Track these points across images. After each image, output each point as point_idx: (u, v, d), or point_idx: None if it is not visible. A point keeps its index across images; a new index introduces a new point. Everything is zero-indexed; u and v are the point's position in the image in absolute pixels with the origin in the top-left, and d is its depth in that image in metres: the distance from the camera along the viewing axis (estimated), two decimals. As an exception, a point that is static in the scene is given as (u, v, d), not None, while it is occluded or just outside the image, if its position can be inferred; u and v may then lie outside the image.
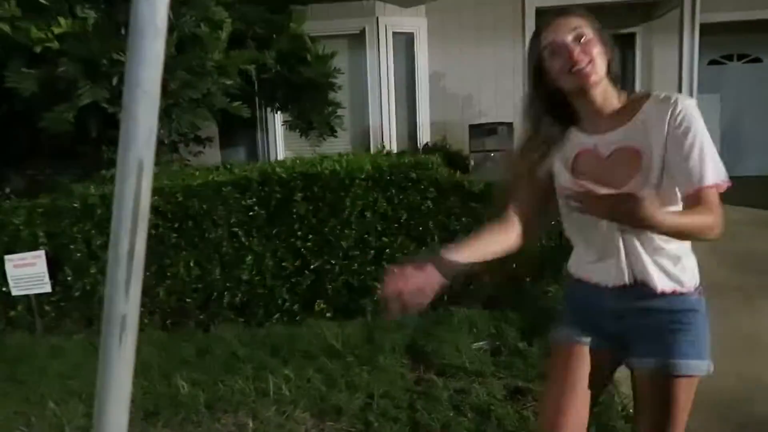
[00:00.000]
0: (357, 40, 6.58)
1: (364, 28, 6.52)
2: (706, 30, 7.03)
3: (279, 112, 5.35)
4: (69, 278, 3.82)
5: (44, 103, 2.92)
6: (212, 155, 5.94)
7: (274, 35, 4.26)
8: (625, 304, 1.43)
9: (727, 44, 7.86)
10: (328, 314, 3.68)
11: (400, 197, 3.66)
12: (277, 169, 3.70)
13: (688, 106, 1.30)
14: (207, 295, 3.77)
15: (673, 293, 1.39)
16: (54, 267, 3.79)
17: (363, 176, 3.64)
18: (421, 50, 6.80)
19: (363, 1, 6.66)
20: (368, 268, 3.68)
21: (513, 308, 3.55)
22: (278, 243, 3.70)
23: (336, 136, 4.98)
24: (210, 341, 3.47)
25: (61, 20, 2.54)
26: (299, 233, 3.67)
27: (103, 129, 3.41)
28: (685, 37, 6.88)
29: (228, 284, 3.73)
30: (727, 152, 7.74)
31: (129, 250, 0.96)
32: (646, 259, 1.39)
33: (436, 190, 3.66)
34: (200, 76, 2.90)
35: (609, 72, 1.38)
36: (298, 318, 3.69)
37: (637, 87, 7.90)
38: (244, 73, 3.88)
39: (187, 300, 3.76)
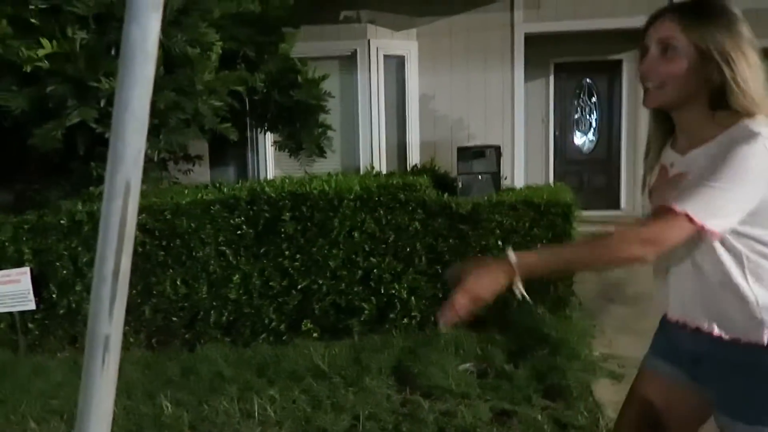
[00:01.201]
0: (348, 61, 6.65)
1: (355, 51, 6.60)
2: None
3: (269, 132, 5.38)
4: (54, 295, 3.79)
5: (34, 120, 2.93)
6: (202, 173, 5.94)
7: (265, 56, 4.30)
8: (699, 347, 1.26)
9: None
10: (314, 334, 3.68)
11: (388, 218, 3.68)
12: (266, 189, 3.72)
13: (749, 148, 1.11)
14: (193, 313, 3.75)
15: (738, 342, 1.19)
16: (39, 284, 3.76)
17: (351, 197, 3.66)
18: (412, 73, 6.88)
19: (355, 24, 6.75)
20: (356, 288, 3.68)
21: (500, 330, 3.56)
22: (266, 262, 3.70)
23: (325, 157, 5.01)
24: (195, 361, 3.45)
25: (45, 42, 2.56)
26: (287, 252, 3.67)
27: (91, 146, 3.42)
28: None
29: (215, 303, 3.72)
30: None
31: (114, 270, 0.97)
32: (694, 294, 1.24)
33: (424, 211, 3.69)
34: (189, 96, 2.92)
35: (708, 95, 1.17)
36: (284, 338, 3.68)
37: (623, 114, 8.04)
38: (234, 93, 3.91)
39: (173, 319, 3.74)
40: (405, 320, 3.68)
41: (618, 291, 4.60)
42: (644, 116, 7.48)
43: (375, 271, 3.67)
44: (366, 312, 3.65)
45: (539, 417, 2.68)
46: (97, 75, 2.74)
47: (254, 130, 6.04)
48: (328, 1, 6.49)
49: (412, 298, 3.67)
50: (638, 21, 5.88)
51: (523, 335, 3.46)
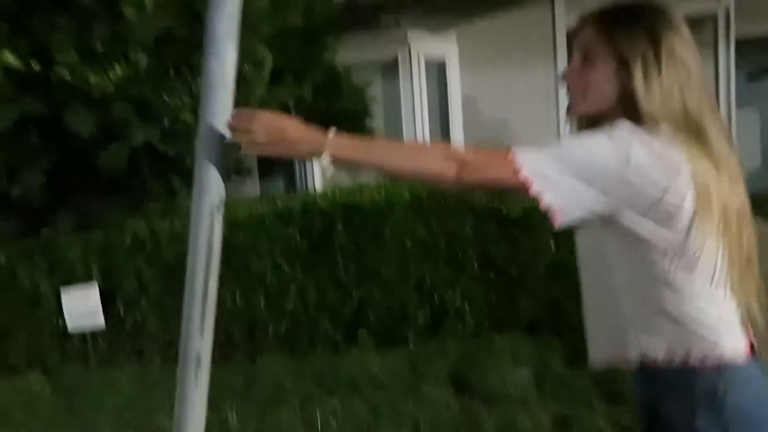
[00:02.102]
0: (390, 67, 6.69)
1: (396, 56, 6.63)
2: (742, 44, 6.93)
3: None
4: (121, 312, 3.94)
5: (100, 142, 3.08)
6: (252, 186, 6.08)
7: (310, 67, 4.38)
8: (643, 387, 1.16)
9: (765, 58, 7.72)
10: (370, 343, 3.71)
11: (439, 224, 3.68)
12: (318, 200, 3.78)
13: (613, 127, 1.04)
14: (252, 325, 3.84)
15: (680, 367, 1.06)
16: (106, 301, 3.92)
17: (402, 204, 3.69)
18: (453, 75, 6.88)
19: (394, 29, 6.79)
20: (409, 296, 3.69)
21: (556, 333, 3.51)
22: (320, 273, 3.75)
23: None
24: (256, 372, 3.53)
25: (117, 66, 2.69)
26: (341, 263, 3.72)
27: (153, 164, 3.56)
28: (720, 51, 6.80)
29: (272, 315, 3.79)
30: (766, 165, 7.54)
31: (203, 289, 1.02)
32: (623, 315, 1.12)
33: (475, 216, 3.67)
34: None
35: (629, 103, 1.06)
36: (341, 347, 3.72)
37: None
38: (283, 105, 3.99)
39: (234, 331, 3.83)
40: (459, 326, 3.67)
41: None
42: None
43: (428, 278, 3.68)
44: (420, 320, 3.65)
45: (601, 422, 2.64)
46: (159, 95, 2.86)
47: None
48: (367, 9, 6.55)
49: (466, 304, 3.65)
50: (683, 8, 5.70)
51: (580, 338, 3.39)
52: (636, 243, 1.04)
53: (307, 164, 6.96)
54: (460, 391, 3.05)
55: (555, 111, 6.89)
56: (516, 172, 0.99)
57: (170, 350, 3.93)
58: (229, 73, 0.97)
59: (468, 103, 6.95)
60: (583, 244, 1.22)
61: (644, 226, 1.02)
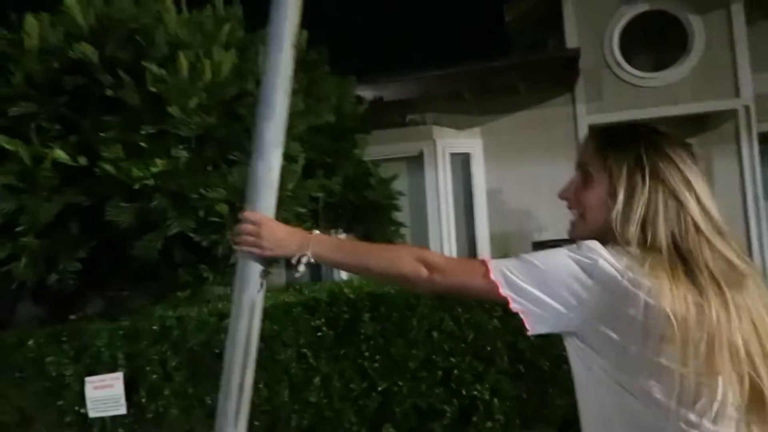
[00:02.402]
0: (416, 161, 6.89)
1: (422, 151, 6.85)
2: (765, 138, 7.01)
3: (343, 233, 5.56)
4: (143, 400, 3.90)
5: (136, 232, 3.19)
6: (278, 275, 6.14)
7: (340, 162, 4.54)
8: None
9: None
10: (396, 438, 3.58)
11: (467, 316, 3.64)
12: (345, 290, 3.79)
13: (578, 249, 1.02)
14: (274, 418, 3.75)
15: None
16: (130, 389, 3.89)
17: (429, 295, 3.67)
18: (478, 169, 7.04)
19: (420, 126, 7.06)
20: (436, 390, 3.60)
21: None
22: (346, 364, 3.70)
23: (399, 255, 5.09)
24: (277, 467, 3.41)
25: (158, 161, 2.85)
26: (366, 354, 3.67)
27: (184, 253, 3.65)
28: (743, 146, 6.88)
29: (296, 407, 3.71)
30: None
31: (240, 384, 1.03)
32: None
33: (503, 308, 3.62)
34: (277, 205, 3.12)
35: (617, 227, 1.03)
36: (365, 442, 3.60)
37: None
38: (313, 197, 4.12)
39: (255, 423, 3.74)
40: (488, 423, 3.53)
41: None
42: (721, 198, 7.24)
43: (455, 371, 3.60)
44: (448, 414, 3.54)
45: None
46: (196, 189, 2.99)
47: (327, 230, 6.25)
48: (394, 106, 6.85)
49: (495, 399, 3.54)
50: (703, 106, 5.88)
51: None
52: (597, 363, 1.01)
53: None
54: (490, 494, 2.90)
55: (579, 202, 6.94)
56: (486, 275, 1.03)
57: (190, 442, 3.85)
58: (275, 176, 1.04)
59: (492, 196, 7.06)
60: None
61: (606, 348, 0.99)
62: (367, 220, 4.69)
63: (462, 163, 7.02)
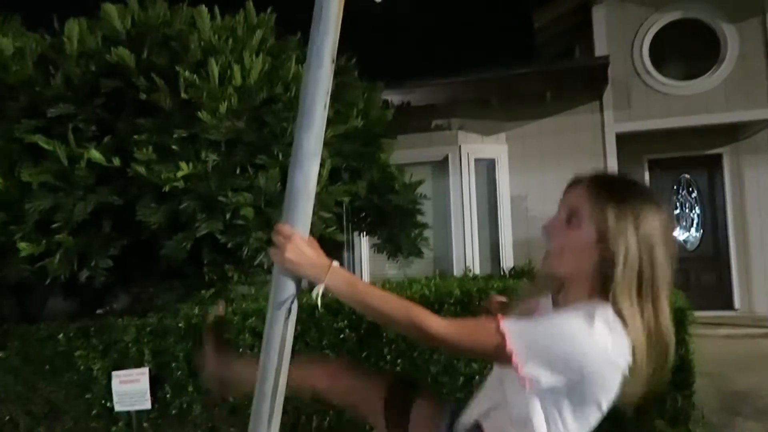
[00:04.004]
0: (440, 166, 6.91)
1: (447, 156, 6.86)
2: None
3: (367, 236, 5.59)
4: (168, 396, 3.98)
5: (166, 233, 3.27)
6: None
7: (366, 166, 4.58)
8: None
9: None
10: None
11: (490, 323, 3.64)
12: (368, 293, 3.82)
13: (583, 311, 1.10)
14: (296, 418, 3.79)
15: None
16: (155, 384, 3.97)
17: (452, 300, 3.69)
18: (503, 175, 7.03)
19: (446, 131, 7.07)
20: (457, 395, 3.60)
21: (614, 446, 3.32)
22: (368, 367, 3.73)
23: (423, 258, 5.11)
24: (298, 467, 3.45)
25: (183, 165, 2.92)
26: (389, 357, 3.70)
27: (211, 254, 3.72)
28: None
29: (317, 407, 3.75)
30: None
31: (274, 387, 1.07)
32: None
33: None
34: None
35: (601, 277, 1.12)
36: (385, 446, 3.62)
37: (728, 207, 7.69)
38: (337, 201, 4.16)
39: (277, 422, 3.79)
40: (509, 430, 3.52)
41: (745, 403, 4.20)
42: (752, 209, 7.21)
43: (477, 377, 3.60)
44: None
45: None
46: (225, 191, 3.05)
47: (351, 233, 6.30)
48: (420, 112, 6.88)
49: (517, 406, 3.53)
50: (735, 116, 5.84)
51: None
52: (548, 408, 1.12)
53: (356, 256, 7.09)
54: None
55: (605, 211, 6.88)
56: (498, 336, 1.08)
57: (213, 438, 3.92)
58: (312, 185, 1.07)
59: (516, 202, 7.04)
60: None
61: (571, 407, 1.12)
62: (391, 223, 4.71)
63: (487, 168, 7.02)
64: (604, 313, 1.09)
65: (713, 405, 4.06)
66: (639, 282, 1.11)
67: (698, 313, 5.03)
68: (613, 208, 1.12)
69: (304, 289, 1.18)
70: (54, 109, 3.36)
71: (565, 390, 1.09)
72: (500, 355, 1.09)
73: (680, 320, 3.45)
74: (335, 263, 1.17)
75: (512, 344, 1.07)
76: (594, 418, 1.15)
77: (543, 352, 1.07)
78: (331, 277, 1.14)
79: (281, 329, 1.06)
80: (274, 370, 1.05)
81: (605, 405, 1.14)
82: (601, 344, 1.06)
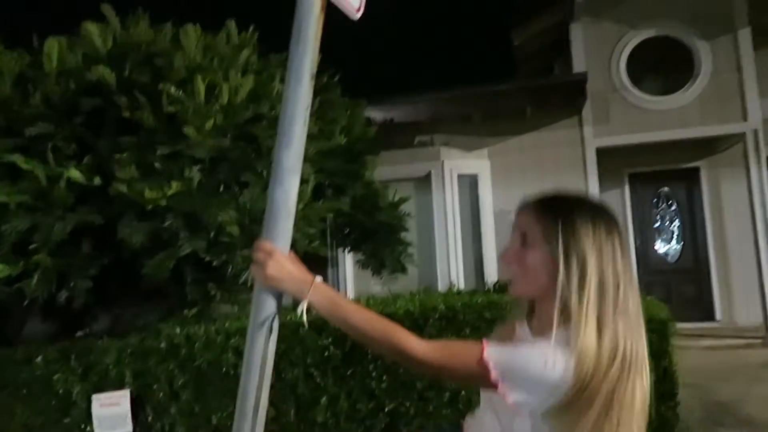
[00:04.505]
0: (423, 182, 6.95)
1: (430, 172, 6.90)
2: (774, 162, 7.02)
3: (351, 252, 5.58)
4: (149, 418, 3.91)
5: (148, 252, 3.23)
6: (285, 296, 6.16)
7: (350, 182, 4.59)
8: None
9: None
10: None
11: (474, 336, 3.64)
12: (353, 310, 3.80)
13: (545, 342, 1.12)
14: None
15: None
16: (136, 406, 3.90)
17: (437, 315, 3.68)
18: (485, 190, 7.08)
19: (429, 147, 7.11)
20: (443, 411, 3.59)
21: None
22: (353, 384, 3.70)
23: (407, 274, 5.11)
24: (283, 488, 3.40)
25: (174, 183, 2.90)
26: (374, 374, 3.68)
27: (194, 273, 3.68)
28: (752, 169, 6.89)
29: (302, 427, 3.71)
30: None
31: (255, 405, 1.06)
32: None
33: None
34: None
35: (556, 297, 1.13)
36: (372, 465, 3.58)
37: (707, 219, 7.81)
38: (322, 218, 4.15)
39: (261, 443, 3.74)
40: (496, 446, 3.51)
41: (728, 413, 4.23)
42: (730, 221, 7.30)
43: (463, 392, 3.59)
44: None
45: None
46: (209, 210, 3.03)
47: (335, 249, 6.28)
48: (403, 128, 6.93)
49: (503, 421, 3.52)
50: (711, 130, 5.96)
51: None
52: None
53: (340, 272, 7.06)
54: None
55: (587, 225, 6.95)
56: (482, 362, 1.10)
57: (196, 461, 3.84)
58: (292, 202, 1.07)
59: (500, 216, 7.09)
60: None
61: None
62: (375, 239, 4.71)
63: (470, 184, 7.07)
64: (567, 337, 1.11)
65: (697, 415, 4.09)
66: (599, 295, 1.11)
67: (680, 325, 5.10)
68: (564, 225, 1.14)
69: (286, 307, 1.18)
70: (33, 128, 3.32)
71: (553, 409, 1.10)
72: (484, 381, 1.11)
73: (662, 332, 3.49)
74: (318, 278, 1.16)
75: (496, 371, 1.09)
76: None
77: (524, 378, 1.09)
78: (314, 293, 1.13)
79: (262, 347, 1.05)
80: (255, 389, 1.04)
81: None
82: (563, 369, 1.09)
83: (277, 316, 1.08)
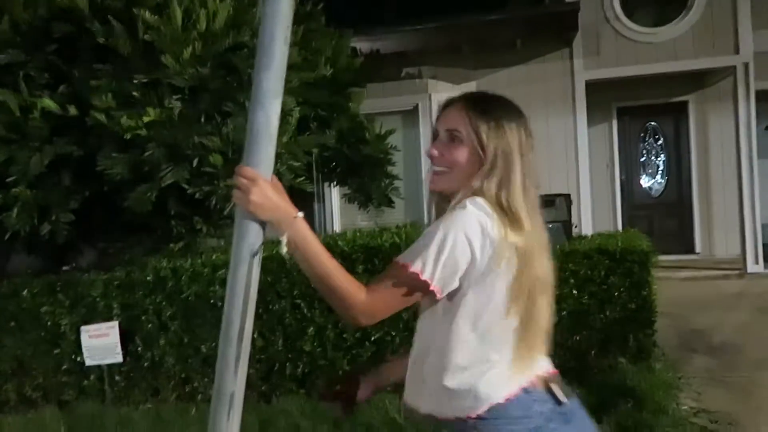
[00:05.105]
0: (411, 115, 6.84)
1: (417, 105, 6.78)
2: (762, 96, 6.99)
3: (337, 186, 5.55)
4: (139, 348, 3.97)
5: (129, 184, 3.18)
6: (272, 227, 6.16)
7: (335, 115, 4.50)
8: None
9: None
10: (388, 387, 3.67)
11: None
12: (339, 242, 3.82)
13: (456, 211, 1.17)
14: (270, 366, 3.84)
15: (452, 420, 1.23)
16: (126, 338, 3.95)
17: (422, 249, 3.71)
18: (473, 124, 7.00)
19: (416, 80, 6.96)
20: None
21: (578, 383, 3.45)
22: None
23: (393, 208, 5.12)
24: (273, 413, 3.51)
25: (150, 110, 2.81)
26: (359, 306, 3.73)
27: (178, 206, 3.65)
28: (740, 104, 6.85)
29: (290, 355, 3.80)
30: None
31: (239, 331, 1.05)
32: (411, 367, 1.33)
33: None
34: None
35: (495, 194, 1.18)
36: (358, 391, 3.70)
37: (692, 154, 7.84)
38: (307, 152, 4.10)
39: (250, 371, 3.82)
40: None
41: (701, 340, 4.39)
42: (716, 156, 7.31)
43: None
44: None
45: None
46: (190, 139, 2.96)
47: (321, 184, 6.24)
48: (390, 60, 6.74)
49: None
50: (703, 63, 5.86)
51: (604, 388, 3.34)
52: (451, 308, 1.21)
53: (326, 206, 7.06)
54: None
55: (574, 160, 6.96)
56: (411, 275, 1.15)
57: (185, 388, 3.94)
58: (274, 125, 1.03)
59: (487, 150, 7.05)
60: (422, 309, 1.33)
61: (466, 293, 1.19)
62: (362, 173, 4.68)
63: (457, 117, 6.98)
64: (472, 200, 1.18)
65: (672, 343, 4.24)
66: (523, 194, 1.20)
67: (661, 257, 5.21)
68: (487, 122, 1.22)
69: (270, 239, 1.15)
70: (2, 56, 3.18)
71: (471, 283, 1.17)
72: (423, 290, 1.17)
73: (643, 263, 3.56)
74: (300, 214, 1.15)
75: (419, 270, 1.14)
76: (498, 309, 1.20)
77: (438, 257, 1.14)
78: (294, 232, 1.13)
79: (245, 273, 1.04)
80: (239, 315, 1.03)
81: (501, 286, 1.19)
82: (476, 219, 1.15)
83: (260, 242, 1.06)
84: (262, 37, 1.02)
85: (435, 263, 1.14)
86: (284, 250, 1.12)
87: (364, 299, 1.16)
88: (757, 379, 3.57)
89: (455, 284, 1.17)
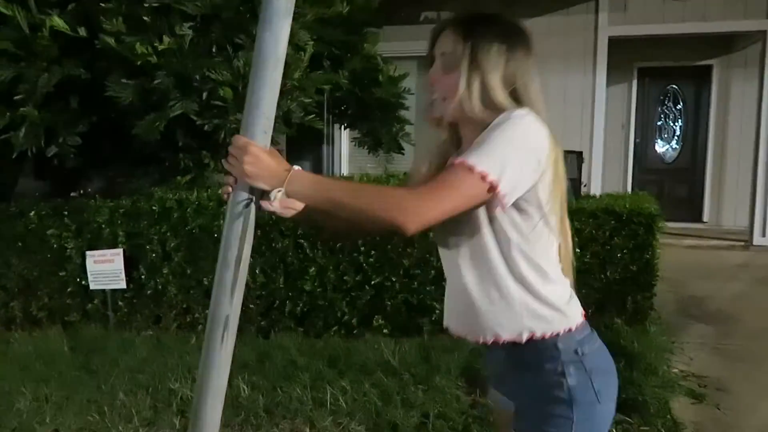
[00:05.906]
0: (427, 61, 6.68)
1: (433, 51, 6.61)
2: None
3: (347, 129, 5.49)
4: (143, 276, 4.03)
5: (138, 112, 3.14)
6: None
7: (349, 55, 4.40)
8: (497, 361, 1.26)
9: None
10: (385, 330, 3.74)
11: (464, 220, 3.68)
12: (345, 185, 3.80)
13: (509, 115, 1.11)
14: (270, 302, 3.89)
15: (521, 343, 1.16)
16: (130, 265, 4.00)
17: (428, 197, 3.69)
18: (490, 74, 6.84)
19: (434, 25, 6.76)
20: (428, 288, 3.71)
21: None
22: (341, 257, 3.79)
23: (403, 154, 5.07)
24: (270, 347, 3.58)
25: (165, 38, 2.74)
26: (362, 249, 3.75)
27: (186, 138, 3.62)
28: (767, 71, 6.64)
29: (290, 294, 3.85)
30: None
31: (237, 255, 1.05)
32: (457, 297, 1.23)
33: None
34: (282, 94, 3.04)
35: (492, 106, 1.13)
36: (355, 332, 3.76)
37: (711, 122, 7.67)
38: (319, 90, 4.03)
39: (251, 306, 3.89)
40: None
41: (700, 307, 4.41)
42: (734, 124, 7.15)
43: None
44: (437, 311, 3.67)
45: (614, 431, 2.63)
46: (201, 70, 2.90)
47: (332, 126, 6.18)
48: (409, 3, 6.54)
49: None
50: (733, 25, 5.64)
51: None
52: (502, 228, 1.14)
53: (335, 149, 7.01)
54: (472, 385, 3.06)
55: (590, 118, 6.82)
56: (483, 178, 1.04)
57: (186, 318, 4.02)
58: (282, 48, 0.99)
59: (502, 102, 6.92)
60: (446, 234, 1.26)
61: (516, 212, 1.13)
62: (373, 116, 4.61)
63: (474, 67, 6.82)
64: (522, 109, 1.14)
65: (670, 308, 4.26)
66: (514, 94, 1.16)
67: (668, 224, 5.17)
68: (483, 43, 1.15)
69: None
70: (11, -30, 3.09)
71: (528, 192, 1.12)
72: (487, 193, 1.06)
73: (649, 225, 3.53)
74: (296, 167, 1.09)
75: (485, 170, 1.04)
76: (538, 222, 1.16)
77: (509, 160, 1.06)
78: (293, 182, 1.05)
79: (246, 198, 1.02)
80: (238, 239, 1.02)
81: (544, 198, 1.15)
82: (538, 125, 1.13)
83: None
84: (274, -48, 0.97)
85: (503, 165, 1.04)
86: (271, 207, 1.06)
87: (411, 198, 1.05)
88: (750, 348, 3.59)
89: (523, 190, 1.09)
